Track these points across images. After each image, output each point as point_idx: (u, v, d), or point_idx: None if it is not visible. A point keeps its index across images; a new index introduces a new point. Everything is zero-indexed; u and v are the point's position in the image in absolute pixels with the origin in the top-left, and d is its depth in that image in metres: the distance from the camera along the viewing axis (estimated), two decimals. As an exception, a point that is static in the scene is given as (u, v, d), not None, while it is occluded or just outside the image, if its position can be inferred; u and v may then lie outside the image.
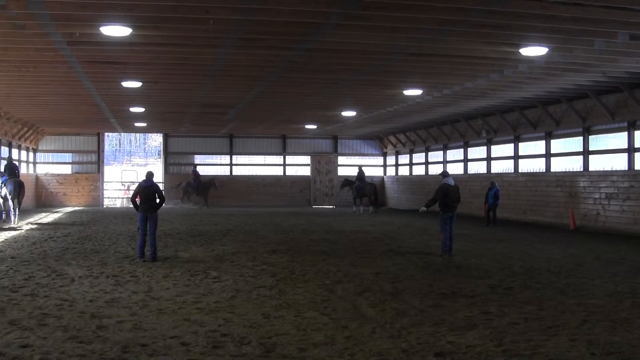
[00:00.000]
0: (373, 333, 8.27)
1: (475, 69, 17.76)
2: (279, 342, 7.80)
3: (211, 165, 42.34)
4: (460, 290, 11.22)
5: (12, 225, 23.95)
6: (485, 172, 31.08)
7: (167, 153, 41.68)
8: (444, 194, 15.85)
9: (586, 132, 24.10)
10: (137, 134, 66.58)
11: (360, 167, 38.18)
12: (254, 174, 42.22)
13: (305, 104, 25.34)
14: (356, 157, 43.71)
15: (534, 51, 14.99)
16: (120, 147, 74.57)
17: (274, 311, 9.49)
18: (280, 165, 42.89)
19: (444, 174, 16.55)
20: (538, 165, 27.26)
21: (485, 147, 31.27)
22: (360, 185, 36.07)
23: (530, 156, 27.93)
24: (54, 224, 25.02)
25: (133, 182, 42.94)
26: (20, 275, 12.54)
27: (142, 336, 8.02)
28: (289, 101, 24.82)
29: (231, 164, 41.99)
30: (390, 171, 43.39)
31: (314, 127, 35.75)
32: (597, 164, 23.84)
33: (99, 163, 40.32)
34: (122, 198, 42.31)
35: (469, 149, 32.98)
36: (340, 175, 42.26)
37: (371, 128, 36.94)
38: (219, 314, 9.31)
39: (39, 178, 39.21)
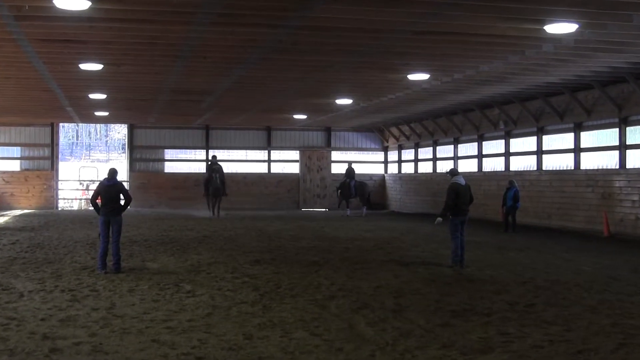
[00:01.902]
0: (372, 356, 8.28)
1: (491, 49, 17.77)
2: (262, 367, 7.80)
3: (184, 162, 42.32)
4: (474, 308, 11.25)
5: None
6: (504, 169, 31.12)
7: (133, 147, 41.60)
8: (456, 195, 15.89)
9: (623, 123, 24.15)
10: (98, 125, 66.43)
11: (350, 163, 38.06)
12: (234, 171, 42.15)
13: (293, 90, 25.33)
14: (353, 152, 43.70)
15: (561, 28, 14.98)
16: (77, 140, 74.41)
17: (257, 331, 9.49)
18: (264, 161, 42.87)
19: (453, 172, 16.63)
20: (565, 162, 27.31)
21: (503, 141, 31.31)
22: (358, 183, 36.18)
23: (556, 151, 27.99)
24: (-1, 230, 24.96)
25: (93, 181, 42.86)
26: (-40, 290, 12.52)
27: (103, 360, 8.01)
28: (274, 87, 24.79)
29: (207, 160, 41.84)
30: (392, 168, 43.43)
31: (303, 117, 35.74)
32: (636, 160, 23.88)
33: (53, 158, 40.14)
34: (81, 199, 42.21)
35: (484, 143, 33.02)
36: (334, 174, 42.25)
37: (370, 119, 36.95)
38: (192, 334, 9.31)
39: (-18, 176, 39.12)
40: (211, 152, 41.79)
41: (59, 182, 41.15)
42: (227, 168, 41.59)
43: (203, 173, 41.59)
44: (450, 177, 16.40)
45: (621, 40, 16.63)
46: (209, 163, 35.49)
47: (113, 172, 15.46)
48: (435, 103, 29.63)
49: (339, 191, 35.99)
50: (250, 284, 13.51)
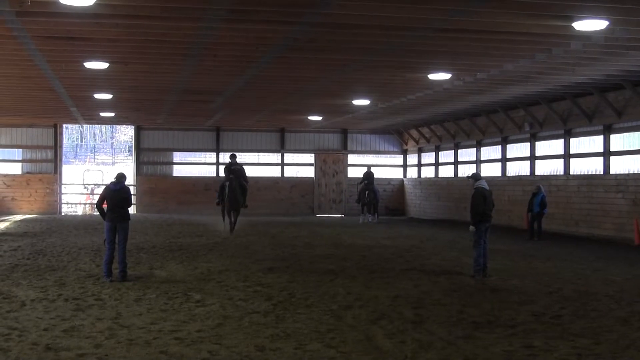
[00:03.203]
0: (391, 370, 8.28)
1: (516, 47, 17.74)
2: (275, 380, 7.81)
3: (193, 165, 42.38)
4: (497, 319, 11.23)
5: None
6: (529, 174, 31.02)
7: (140, 149, 41.72)
8: (483, 200, 15.92)
9: (656, 126, 24.06)
10: (103, 127, 66.78)
11: (369, 167, 37.67)
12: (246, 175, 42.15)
13: (308, 90, 25.35)
14: (370, 156, 43.69)
15: (590, 25, 14.92)
16: (82, 142, 74.82)
17: (269, 342, 9.51)
18: (277, 164, 42.90)
19: (476, 176, 16.67)
20: (594, 166, 27.21)
21: (528, 144, 31.22)
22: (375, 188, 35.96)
23: (584, 155, 27.88)
24: None
25: (98, 185, 43.00)
26: (-40, 298, 12.59)
27: (109, 372, 8.04)
28: (288, 87, 24.82)
29: (218, 163, 41.95)
30: (412, 172, 43.38)
31: (318, 118, 35.75)
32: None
33: (56, 161, 40.25)
34: (85, 204, 42.33)
35: (509, 146, 32.94)
36: (350, 178, 42.21)
37: (388, 120, 36.92)
38: (202, 345, 9.33)
39: (-18, 180, 39.29)
40: (222, 156, 41.75)
41: (63, 186, 41.29)
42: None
43: (214, 177, 41.62)
44: (473, 182, 16.39)
45: (655, 38, 16.58)
46: (227, 164, 28.38)
47: (121, 177, 15.49)
48: (457, 104, 29.58)
49: (366, 192, 35.41)
50: (263, 293, 13.52)
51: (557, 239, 25.29)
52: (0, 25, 15.46)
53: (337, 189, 42.84)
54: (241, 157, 41.21)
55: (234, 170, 27.41)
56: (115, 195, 15.15)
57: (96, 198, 15.94)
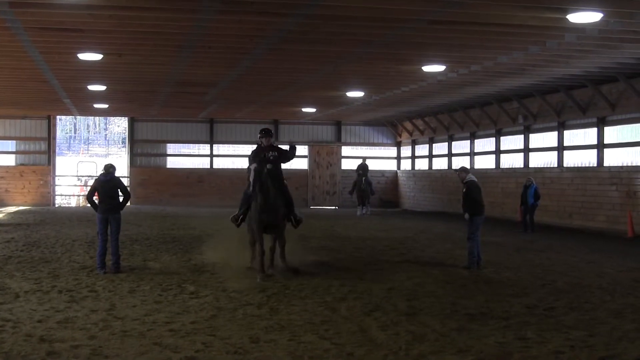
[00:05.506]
0: (385, 362, 8.28)
1: (511, 39, 17.74)
2: (269, 372, 7.82)
3: (187, 157, 42.31)
4: (491, 311, 11.25)
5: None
6: (522, 166, 31.05)
7: (134, 141, 41.65)
8: (479, 192, 16.06)
9: (649, 118, 24.09)
10: (97, 118, 66.55)
11: (364, 158, 37.57)
12: (239, 167, 42.09)
13: (302, 82, 25.33)
14: (364, 148, 43.69)
15: (584, 17, 14.92)
16: (75, 133, 74.64)
17: (263, 334, 9.52)
18: (271, 156, 42.73)
19: (467, 169, 16.82)
20: (588, 158, 27.25)
21: (522, 136, 31.23)
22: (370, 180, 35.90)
23: (578, 147, 27.91)
24: (-6, 227, 25.02)
25: (91, 177, 42.92)
26: (-47, 290, 12.56)
27: (103, 364, 8.03)
28: (282, 79, 24.79)
29: (211, 155, 41.97)
30: (405, 164, 43.41)
31: (312, 110, 35.73)
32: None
33: (50, 153, 40.20)
34: (78, 196, 42.25)
35: (502, 139, 32.95)
36: (344, 170, 42.20)
37: (382, 112, 36.91)
38: (196, 336, 9.34)
39: (-25, 171, 39.19)
40: (216, 147, 41.65)
41: (56, 178, 41.24)
42: (232, 163, 41.49)
43: (208, 169, 41.55)
44: (465, 175, 16.46)
45: (649, 30, 16.59)
46: (254, 150, 16.28)
47: (109, 167, 15.46)
48: (451, 96, 29.59)
49: (370, 183, 35.19)
50: (257, 285, 13.53)
51: (550, 232, 25.31)
52: (-7, 17, 15.44)
53: (330, 180, 42.83)
54: (235, 149, 41.28)
55: (268, 159, 15.70)
56: (106, 186, 15.13)
57: (88, 190, 15.87)
